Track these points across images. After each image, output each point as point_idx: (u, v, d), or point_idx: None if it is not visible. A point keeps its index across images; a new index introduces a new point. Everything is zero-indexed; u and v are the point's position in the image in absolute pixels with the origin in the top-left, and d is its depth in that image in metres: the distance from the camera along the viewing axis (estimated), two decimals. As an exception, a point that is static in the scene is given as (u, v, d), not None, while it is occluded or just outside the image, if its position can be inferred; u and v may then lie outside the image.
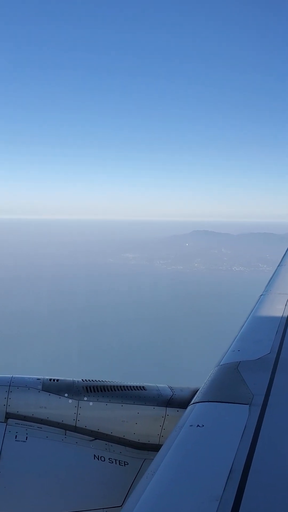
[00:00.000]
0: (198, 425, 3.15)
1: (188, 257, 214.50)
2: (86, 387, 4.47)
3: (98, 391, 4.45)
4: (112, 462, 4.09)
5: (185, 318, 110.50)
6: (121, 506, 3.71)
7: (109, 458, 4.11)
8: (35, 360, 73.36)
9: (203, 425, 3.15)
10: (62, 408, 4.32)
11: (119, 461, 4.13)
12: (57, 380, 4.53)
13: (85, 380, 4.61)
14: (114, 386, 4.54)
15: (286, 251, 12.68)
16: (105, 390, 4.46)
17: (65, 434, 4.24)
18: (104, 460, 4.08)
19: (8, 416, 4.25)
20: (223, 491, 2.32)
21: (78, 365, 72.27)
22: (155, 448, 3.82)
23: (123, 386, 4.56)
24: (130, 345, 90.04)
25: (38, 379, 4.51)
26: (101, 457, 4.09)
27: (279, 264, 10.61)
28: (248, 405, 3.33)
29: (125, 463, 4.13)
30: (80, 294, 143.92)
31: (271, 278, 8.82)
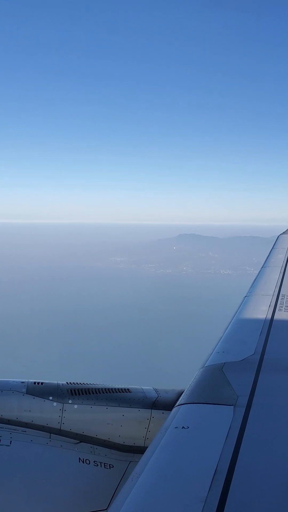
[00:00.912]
0: (183, 427, 3.14)
1: (176, 261, 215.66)
2: (71, 390, 4.43)
3: (82, 393, 4.41)
4: (97, 465, 4.05)
5: (174, 321, 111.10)
6: (106, 509, 3.67)
7: (94, 461, 4.07)
8: (19, 363, 72.82)
9: (188, 427, 3.14)
10: (47, 412, 4.27)
11: (104, 464, 4.09)
12: (42, 383, 4.48)
13: (70, 383, 4.56)
14: (99, 389, 4.50)
15: (269, 253, 12.84)
16: (90, 393, 4.42)
17: (50, 438, 4.19)
18: (89, 463, 4.04)
19: None
20: (208, 492, 2.31)
21: (63, 368, 71.94)
22: (141, 450, 3.77)
23: (108, 389, 4.53)
24: (116, 348, 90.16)
25: (22, 382, 4.46)
26: (86, 460, 4.05)
27: (263, 265, 10.72)
28: (233, 406, 3.32)
29: (111, 466, 4.09)
30: (69, 297, 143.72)
31: (254, 280, 8.89)
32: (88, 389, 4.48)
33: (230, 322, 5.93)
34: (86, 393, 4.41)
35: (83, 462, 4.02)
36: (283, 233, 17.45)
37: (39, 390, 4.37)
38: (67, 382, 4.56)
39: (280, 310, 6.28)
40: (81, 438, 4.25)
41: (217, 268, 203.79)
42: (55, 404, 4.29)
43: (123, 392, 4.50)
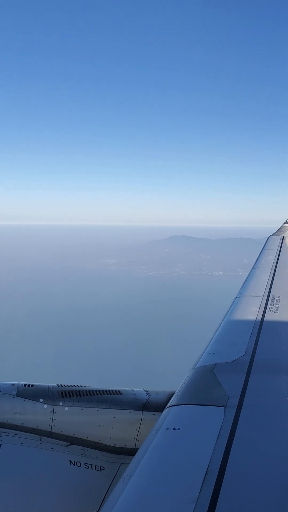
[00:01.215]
0: (174, 428, 3.15)
1: (168, 262, 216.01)
2: (62, 392, 4.41)
3: (73, 396, 4.39)
4: (88, 467, 4.04)
5: (166, 322, 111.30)
6: (97, 511, 3.66)
7: (85, 463, 4.06)
8: (10, 365, 72.40)
9: (179, 428, 3.15)
10: (37, 414, 4.25)
11: (95, 466, 4.07)
12: (32, 385, 4.46)
13: (60, 385, 4.54)
14: (89, 391, 4.49)
15: (259, 254, 12.93)
16: (80, 395, 4.41)
17: (41, 440, 4.17)
18: (80, 466, 4.03)
19: None
20: (199, 493, 2.32)
21: (54, 369, 71.67)
22: (132, 452, 3.77)
23: (99, 391, 4.51)
24: (106, 349, 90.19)
25: (12, 384, 4.43)
26: (77, 462, 4.04)
27: (253, 267, 10.81)
28: (223, 407, 3.34)
29: (101, 468, 4.08)
30: (62, 298, 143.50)
31: (245, 281, 8.96)
32: (79, 391, 4.46)
33: (221, 323, 5.97)
34: (76, 395, 4.39)
35: (74, 464, 4.01)
36: (273, 234, 17.61)
37: (29, 393, 4.35)
38: (57, 384, 4.54)
39: (270, 311, 6.33)
40: (72, 440, 4.23)
41: (209, 269, 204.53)
42: (45, 406, 4.26)
43: (114, 394, 4.49)
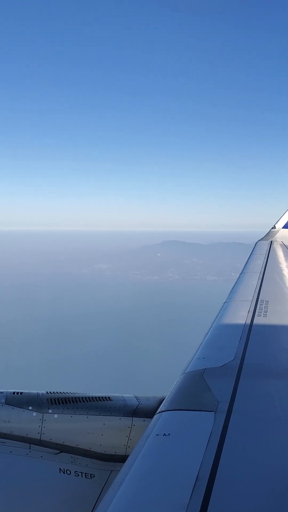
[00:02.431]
0: (164, 434, 3.13)
1: (161, 267, 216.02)
2: (51, 399, 4.37)
3: (62, 403, 4.36)
4: (78, 475, 4.00)
5: (164, 327, 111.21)
6: None
7: (75, 471, 4.02)
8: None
9: (169, 434, 3.13)
10: (26, 422, 4.21)
11: (85, 473, 4.04)
12: (21, 393, 4.42)
13: (50, 392, 4.50)
14: (79, 398, 4.46)
15: (248, 259, 12.99)
16: (70, 402, 4.37)
17: (30, 448, 4.12)
18: (70, 474, 3.99)
19: None
20: (190, 499, 2.31)
21: (47, 376, 71.18)
22: (122, 459, 3.76)
23: (88, 397, 4.48)
24: (97, 355, 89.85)
25: (1, 392, 4.40)
26: (67, 470, 4.00)
27: (241, 272, 10.85)
28: (213, 412, 3.33)
29: (92, 475, 4.04)
30: (58, 304, 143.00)
31: (234, 286, 8.98)
32: (68, 398, 4.43)
33: (210, 328, 5.96)
34: (66, 402, 4.36)
35: (64, 472, 3.97)
36: (261, 239, 17.69)
37: (18, 400, 4.31)
38: (46, 392, 4.50)
39: (259, 315, 6.34)
40: (62, 448, 4.20)
41: (203, 274, 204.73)
42: (34, 414, 4.23)
43: (103, 400, 4.47)
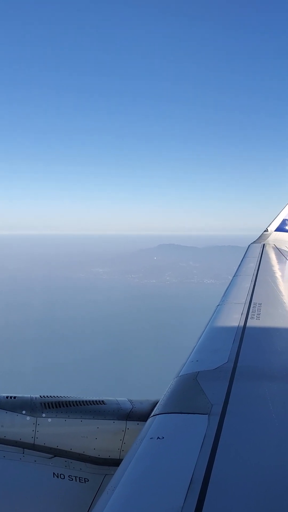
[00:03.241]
0: (158, 437, 3.12)
1: (158, 271, 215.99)
2: (44, 403, 4.35)
3: (56, 407, 4.34)
4: (72, 480, 3.97)
5: (165, 330, 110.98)
6: None
7: (69, 476, 3.99)
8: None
9: (163, 437, 3.12)
10: (20, 426, 4.18)
11: (79, 478, 4.01)
12: (14, 397, 4.40)
13: (43, 396, 4.49)
14: (73, 401, 4.44)
15: (241, 262, 13.04)
16: (63, 406, 4.36)
17: (23, 453, 4.10)
18: (64, 478, 3.96)
19: None
20: (184, 502, 2.30)
21: (37, 380, 70.87)
22: (116, 463, 3.70)
23: (82, 401, 4.47)
24: (94, 359, 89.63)
25: None
26: (60, 474, 3.97)
27: (234, 274, 10.87)
28: (207, 415, 3.31)
29: (85, 479, 4.01)
30: (59, 308, 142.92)
31: (227, 289, 8.98)
32: (62, 401, 4.41)
33: (204, 331, 5.96)
34: (60, 406, 4.34)
35: (57, 477, 3.94)
36: (254, 242, 17.74)
37: (11, 404, 4.29)
38: (40, 396, 4.48)
39: (252, 318, 6.33)
40: (55, 453, 4.17)
41: (200, 277, 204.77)
42: (28, 418, 4.21)
43: (97, 404, 4.45)
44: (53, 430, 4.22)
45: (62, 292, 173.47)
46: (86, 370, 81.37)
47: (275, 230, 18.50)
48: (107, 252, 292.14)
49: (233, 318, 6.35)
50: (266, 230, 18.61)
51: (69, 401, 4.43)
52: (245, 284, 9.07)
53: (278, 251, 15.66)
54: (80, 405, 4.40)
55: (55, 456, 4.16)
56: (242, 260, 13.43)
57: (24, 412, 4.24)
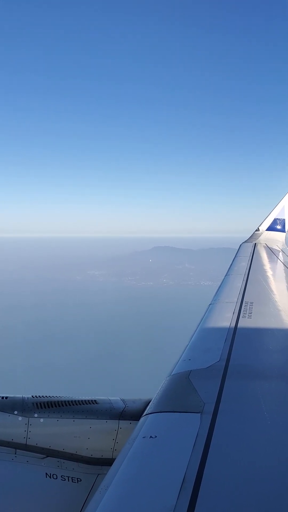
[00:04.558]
0: (151, 436, 3.12)
1: (154, 273, 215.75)
2: (37, 403, 4.33)
3: (48, 407, 4.32)
4: (65, 480, 3.94)
5: (163, 332, 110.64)
6: None
7: (61, 476, 3.96)
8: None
9: (155, 436, 3.12)
10: (12, 426, 4.16)
11: (72, 478, 3.98)
12: (6, 397, 4.38)
13: (35, 396, 4.47)
14: (65, 401, 4.42)
15: (232, 261, 13.10)
16: (56, 406, 4.34)
17: (16, 453, 4.07)
18: (57, 478, 3.93)
19: None
20: (177, 501, 2.30)
21: (31, 380, 70.73)
22: (109, 462, 3.68)
23: (75, 401, 4.44)
24: (90, 359, 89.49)
25: None
26: (53, 475, 3.94)
27: (226, 274, 10.93)
28: (199, 414, 3.31)
29: (78, 479, 3.98)
30: (60, 309, 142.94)
31: (219, 288, 9.02)
32: (54, 401, 4.39)
33: (196, 330, 5.96)
34: (52, 406, 4.32)
35: (50, 477, 3.91)
36: (245, 241, 17.82)
37: (3, 405, 4.27)
38: (32, 396, 4.46)
39: (244, 317, 6.35)
40: (48, 453, 4.15)
41: (197, 279, 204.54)
42: (20, 418, 4.18)
43: (90, 403, 4.43)
44: (45, 430, 4.19)
45: (58, 294, 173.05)
46: (82, 373, 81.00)
47: (267, 230, 18.61)
48: (101, 254, 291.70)
49: (225, 317, 6.36)
50: (258, 230, 18.72)
51: (62, 401, 4.41)
52: (237, 283, 9.10)
53: (270, 250, 15.76)
54: (73, 404, 4.38)
55: (47, 456, 4.13)
56: (233, 259, 13.49)
57: (16, 412, 4.21)
